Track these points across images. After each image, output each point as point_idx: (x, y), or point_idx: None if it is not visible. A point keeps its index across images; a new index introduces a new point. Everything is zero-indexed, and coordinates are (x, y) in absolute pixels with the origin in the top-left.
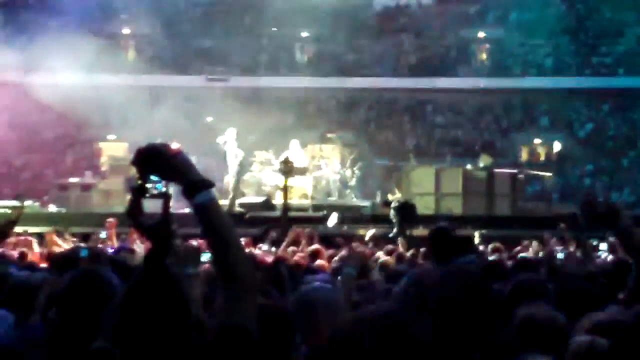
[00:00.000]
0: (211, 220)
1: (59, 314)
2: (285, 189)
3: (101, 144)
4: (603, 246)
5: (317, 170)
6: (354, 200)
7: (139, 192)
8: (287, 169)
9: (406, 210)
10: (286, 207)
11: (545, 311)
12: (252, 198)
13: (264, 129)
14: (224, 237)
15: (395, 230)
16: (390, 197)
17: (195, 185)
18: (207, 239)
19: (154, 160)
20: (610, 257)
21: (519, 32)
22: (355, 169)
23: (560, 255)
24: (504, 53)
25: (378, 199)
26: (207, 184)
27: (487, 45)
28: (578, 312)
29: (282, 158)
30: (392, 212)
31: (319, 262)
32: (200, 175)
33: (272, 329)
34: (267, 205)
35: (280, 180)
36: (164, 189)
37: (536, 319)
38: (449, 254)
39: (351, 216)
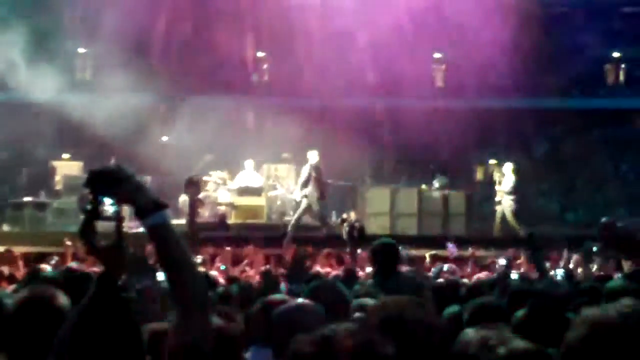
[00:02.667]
0: (164, 241)
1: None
2: (192, 207)
3: (55, 163)
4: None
5: (272, 190)
6: (309, 221)
7: (91, 214)
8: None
9: (355, 229)
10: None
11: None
12: (206, 218)
13: (220, 149)
14: (177, 258)
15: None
16: (345, 216)
17: (149, 207)
18: (160, 260)
19: (107, 182)
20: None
21: (475, 53)
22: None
23: (514, 276)
24: (460, 73)
25: (333, 219)
26: (160, 205)
27: (445, 66)
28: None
29: (237, 178)
30: (344, 231)
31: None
32: (153, 197)
33: (221, 348)
34: (222, 225)
35: (236, 199)
36: (116, 211)
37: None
38: (392, 268)
39: (305, 236)
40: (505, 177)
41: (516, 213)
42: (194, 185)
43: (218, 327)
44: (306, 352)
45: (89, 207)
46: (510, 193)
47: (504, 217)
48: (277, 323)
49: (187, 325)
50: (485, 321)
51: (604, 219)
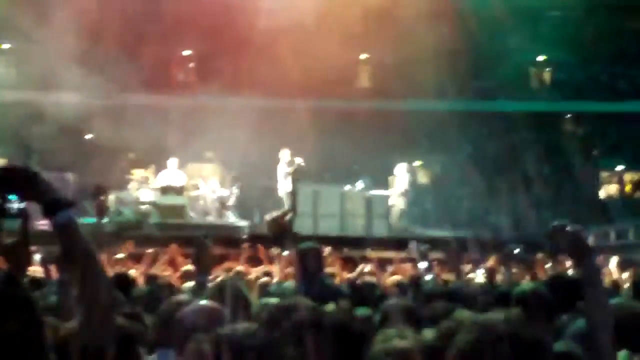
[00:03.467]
0: (70, 239)
1: None
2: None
3: None
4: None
5: (194, 190)
6: (232, 221)
7: None
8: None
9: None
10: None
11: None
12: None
13: (143, 147)
14: (81, 256)
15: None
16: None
17: (55, 205)
18: (65, 257)
19: (13, 179)
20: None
21: (401, 53)
22: (233, 188)
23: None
24: (386, 74)
25: (256, 219)
26: (67, 203)
27: (370, 67)
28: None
29: (160, 177)
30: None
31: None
32: (60, 195)
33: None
34: (143, 224)
35: (158, 198)
36: (22, 209)
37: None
38: (316, 273)
39: (228, 236)
40: (398, 178)
41: (404, 214)
42: (102, 192)
43: (120, 327)
44: (203, 350)
45: None
46: (401, 194)
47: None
48: (178, 324)
49: (89, 324)
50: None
51: (554, 223)
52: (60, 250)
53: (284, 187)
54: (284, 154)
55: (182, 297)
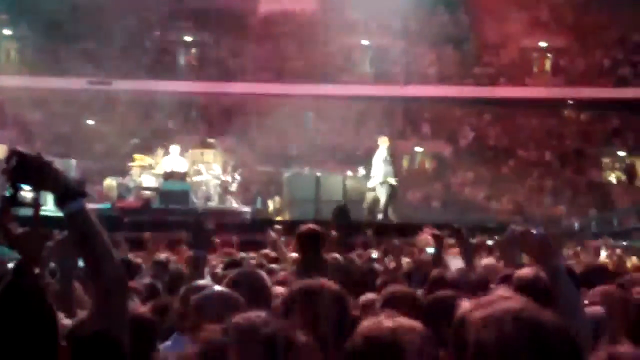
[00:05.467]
0: (83, 228)
1: None
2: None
3: None
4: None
5: (197, 175)
6: (234, 206)
7: (9, 201)
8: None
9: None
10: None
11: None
12: (131, 202)
13: (146, 133)
14: (95, 245)
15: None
16: (270, 203)
17: (67, 194)
18: (78, 246)
19: (25, 169)
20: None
21: (403, 40)
22: (236, 174)
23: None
24: (387, 61)
25: (258, 205)
26: (79, 193)
27: (371, 53)
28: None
29: (163, 163)
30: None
31: None
32: (72, 184)
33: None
34: (146, 209)
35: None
36: (34, 198)
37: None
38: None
39: (231, 222)
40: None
41: (390, 201)
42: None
43: (134, 314)
44: (215, 340)
45: (6, 193)
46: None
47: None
48: (193, 310)
49: (102, 312)
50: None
51: (512, 226)
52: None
53: (378, 176)
54: (383, 142)
55: (201, 282)
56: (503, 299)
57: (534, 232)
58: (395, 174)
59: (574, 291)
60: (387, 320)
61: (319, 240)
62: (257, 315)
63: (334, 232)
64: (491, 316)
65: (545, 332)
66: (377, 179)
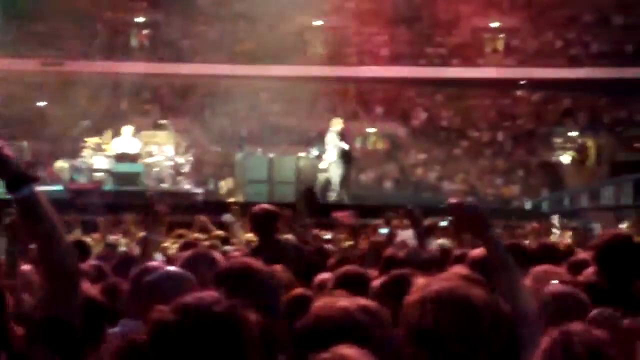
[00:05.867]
0: (35, 213)
1: None
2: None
3: None
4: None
5: (149, 157)
6: (187, 187)
7: None
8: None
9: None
10: None
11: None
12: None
13: (98, 114)
14: (46, 229)
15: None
16: (223, 184)
17: (17, 179)
18: (29, 231)
19: None
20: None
21: (355, 21)
22: (188, 156)
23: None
24: (340, 41)
25: (211, 186)
26: (30, 178)
27: (324, 33)
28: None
29: (114, 144)
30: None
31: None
32: (22, 169)
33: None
34: (98, 191)
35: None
36: None
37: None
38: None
39: (184, 203)
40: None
41: (343, 181)
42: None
43: (85, 295)
44: (165, 320)
45: None
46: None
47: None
48: (145, 291)
49: (54, 295)
50: (348, 288)
51: (451, 200)
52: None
53: (331, 156)
54: (335, 123)
55: (153, 263)
56: (442, 279)
57: (466, 204)
58: (348, 155)
59: (513, 266)
60: (340, 300)
61: (274, 220)
62: (207, 294)
63: (288, 212)
64: (425, 297)
65: (474, 309)
66: (330, 159)
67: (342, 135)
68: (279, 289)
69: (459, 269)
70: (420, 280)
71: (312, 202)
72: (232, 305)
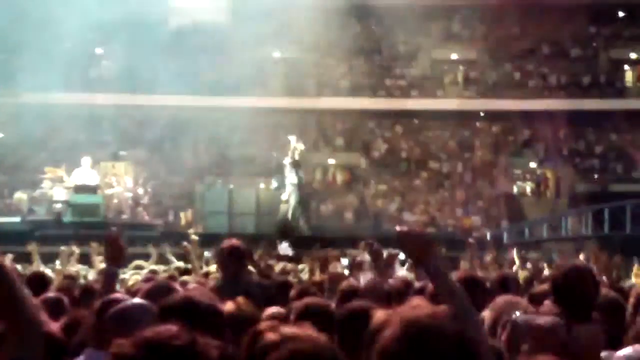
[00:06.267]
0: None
1: None
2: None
3: None
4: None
5: (109, 188)
6: (146, 219)
7: None
8: None
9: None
10: None
11: None
12: (41, 215)
13: (56, 146)
14: (12, 306)
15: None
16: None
17: None
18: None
19: None
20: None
21: (315, 53)
22: (147, 187)
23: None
24: (299, 73)
25: (171, 218)
26: None
27: (283, 65)
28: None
29: (73, 175)
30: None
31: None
32: None
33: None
34: (58, 222)
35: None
36: None
37: None
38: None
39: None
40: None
41: (299, 211)
42: None
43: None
44: (126, 354)
45: None
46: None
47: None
48: (110, 323)
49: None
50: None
51: (398, 228)
52: None
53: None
54: (293, 142)
55: (117, 295)
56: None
57: (412, 232)
58: (303, 181)
59: (461, 294)
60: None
61: (242, 258)
62: (167, 328)
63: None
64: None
65: (436, 339)
66: (289, 190)
67: (299, 165)
68: (223, 321)
69: (419, 301)
70: (381, 312)
71: (288, 234)
72: (193, 339)
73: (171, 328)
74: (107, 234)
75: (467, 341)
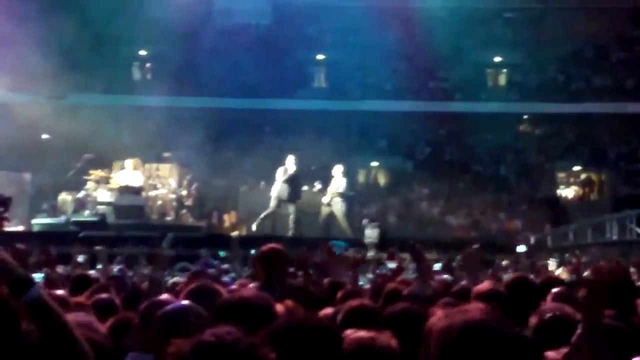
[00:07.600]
0: (44, 313)
1: None
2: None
3: None
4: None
5: (153, 190)
6: (190, 221)
7: None
8: None
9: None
10: None
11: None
12: (87, 216)
13: (100, 148)
14: (57, 329)
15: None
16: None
17: (21, 285)
18: (42, 334)
19: None
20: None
21: (358, 55)
22: (192, 189)
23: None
24: (343, 76)
25: (214, 220)
26: (32, 281)
27: (326, 68)
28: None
29: (117, 177)
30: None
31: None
32: (22, 273)
33: None
34: (102, 224)
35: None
36: None
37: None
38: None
39: (186, 237)
40: (336, 179)
41: (346, 215)
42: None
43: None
44: (184, 355)
45: None
46: (341, 195)
47: (330, 218)
48: (157, 326)
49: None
50: (357, 323)
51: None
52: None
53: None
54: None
55: (163, 297)
56: (467, 310)
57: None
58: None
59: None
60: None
61: (282, 259)
62: (225, 331)
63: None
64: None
65: (503, 341)
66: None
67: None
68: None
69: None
70: (439, 313)
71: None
72: (253, 343)
73: (230, 331)
74: (152, 243)
75: (523, 342)
